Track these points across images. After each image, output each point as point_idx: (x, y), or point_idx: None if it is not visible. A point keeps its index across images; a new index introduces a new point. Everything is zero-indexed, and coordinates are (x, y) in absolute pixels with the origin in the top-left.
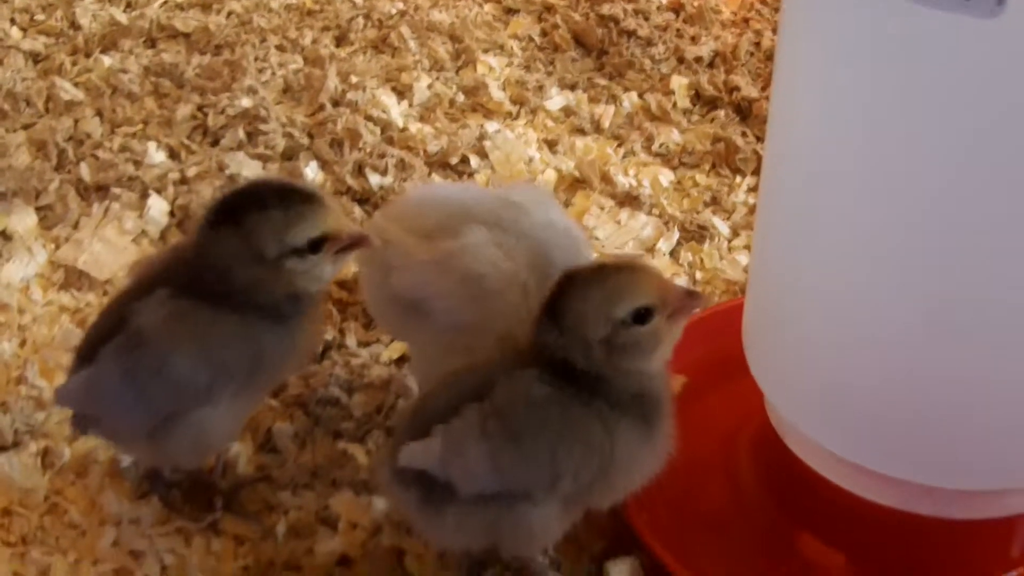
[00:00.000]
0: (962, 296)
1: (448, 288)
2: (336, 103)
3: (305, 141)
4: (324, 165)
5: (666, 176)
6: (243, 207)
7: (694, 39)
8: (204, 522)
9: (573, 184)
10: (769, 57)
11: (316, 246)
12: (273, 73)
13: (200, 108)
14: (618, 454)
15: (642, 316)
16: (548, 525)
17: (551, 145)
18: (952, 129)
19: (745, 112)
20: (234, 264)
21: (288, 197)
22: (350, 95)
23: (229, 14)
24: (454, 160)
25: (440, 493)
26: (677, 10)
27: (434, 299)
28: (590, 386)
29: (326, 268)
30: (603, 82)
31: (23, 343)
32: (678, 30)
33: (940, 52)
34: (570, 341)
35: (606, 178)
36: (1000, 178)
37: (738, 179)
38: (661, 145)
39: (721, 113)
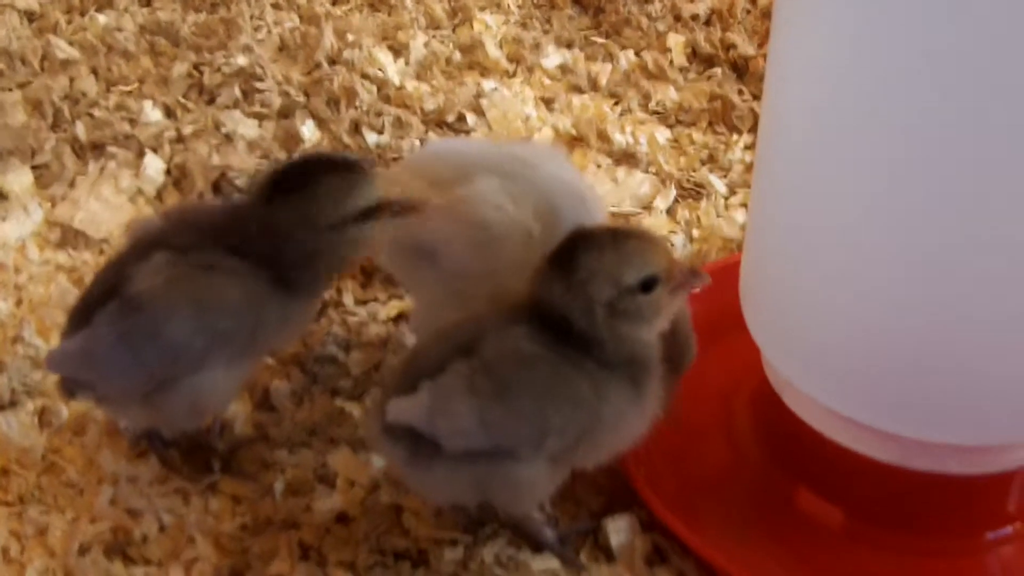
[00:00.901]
0: (958, 249)
1: (454, 233)
2: (332, 61)
3: (301, 99)
4: (320, 123)
5: (663, 134)
6: (303, 177)
7: None
8: (202, 483)
9: (570, 142)
10: (766, 14)
11: (372, 213)
12: (269, 31)
13: (196, 66)
14: (605, 414)
15: (648, 285)
16: (536, 482)
17: (548, 103)
18: (950, 80)
19: (742, 70)
20: (294, 233)
21: (346, 166)
22: (346, 53)
23: None
24: (451, 118)
25: (428, 449)
26: None
27: (441, 244)
28: (581, 346)
29: (376, 234)
30: (600, 40)
31: (19, 302)
32: None
33: (937, 4)
34: (574, 298)
35: (603, 136)
36: (1000, 128)
37: (735, 137)
38: (658, 103)
39: (718, 71)
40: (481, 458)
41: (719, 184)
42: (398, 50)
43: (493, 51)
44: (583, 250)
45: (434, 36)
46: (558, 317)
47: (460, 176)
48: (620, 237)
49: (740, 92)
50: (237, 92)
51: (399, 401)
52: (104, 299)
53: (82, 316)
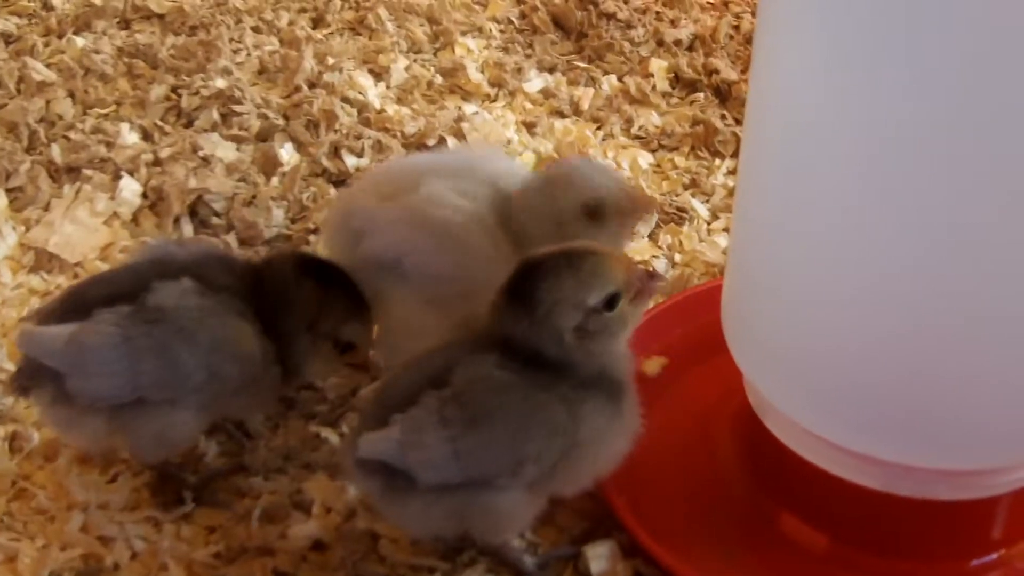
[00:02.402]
0: (940, 274)
1: (417, 241)
2: (312, 84)
3: (280, 122)
4: (299, 146)
5: (645, 158)
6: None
7: (673, 22)
8: (173, 514)
9: None
10: (748, 40)
11: None
12: (248, 54)
13: (174, 89)
14: (583, 435)
15: (612, 302)
16: (514, 511)
17: (530, 127)
18: (930, 107)
19: (724, 95)
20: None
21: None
22: (326, 76)
23: None
24: (431, 142)
25: (402, 482)
26: None
27: (406, 255)
28: (552, 369)
29: None
30: (582, 64)
31: None
32: (657, 13)
33: (926, 22)
34: (541, 330)
35: None
36: (981, 157)
37: (717, 161)
38: (640, 127)
39: (700, 96)
40: (457, 489)
41: (702, 209)
42: (379, 73)
43: (475, 75)
44: (540, 280)
45: (415, 60)
46: (527, 347)
47: (409, 187)
48: (574, 259)
49: (723, 117)
50: (215, 115)
51: (370, 436)
52: (111, 300)
53: (76, 309)
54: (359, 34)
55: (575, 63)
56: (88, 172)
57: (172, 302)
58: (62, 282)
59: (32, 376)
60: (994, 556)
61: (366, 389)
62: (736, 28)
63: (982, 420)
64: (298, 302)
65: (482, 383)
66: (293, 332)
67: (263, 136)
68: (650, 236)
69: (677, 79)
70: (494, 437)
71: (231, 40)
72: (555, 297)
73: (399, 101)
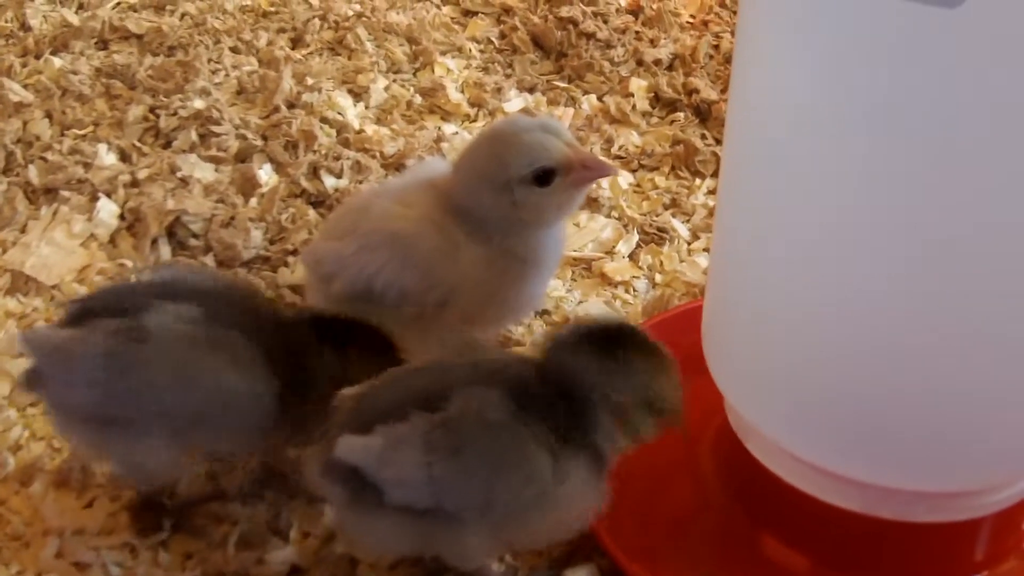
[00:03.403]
0: (920, 294)
1: (380, 262)
2: (291, 105)
3: (259, 143)
4: (278, 167)
5: (625, 178)
6: None
7: (653, 42)
8: (150, 540)
9: None
10: (728, 60)
11: None
12: (227, 74)
13: (152, 110)
14: (561, 495)
15: (662, 411)
16: (479, 546)
17: None
18: (905, 131)
19: (704, 114)
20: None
21: None
22: (305, 96)
23: (183, 16)
24: (411, 162)
25: (371, 496)
26: (636, 13)
27: (374, 279)
28: (548, 416)
29: None
30: (562, 84)
31: None
32: (637, 32)
33: (900, 46)
34: (597, 385)
35: None
36: (956, 173)
37: (698, 181)
38: (620, 147)
39: (680, 115)
40: (423, 514)
41: (682, 229)
42: (358, 93)
43: (454, 95)
44: (647, 360)
45: (395, 80)
46: (565, 388)
47: (356, 219)
48: (663, 360)
49: (703, 137)
50: (194, 136)
51: (351, 439)
52: (112, 313)
53: (80, 316)
54: (338, 54)
55: (555, 83)
56: (65, 193)
57: (164, 325)
58: (38, 305)
59: (35, 377)
60: None
61: (346, 391)
62: (716, 48)
63: (963, 442)
64: (319, 369)
65: (475, 418)
66: (314, 394)
67: (241, 157)
68: (630, 256)
69: (657, 99)
70: (471, 472)
71: (209, 60)
72: (653, 390)
73: (378, 121)
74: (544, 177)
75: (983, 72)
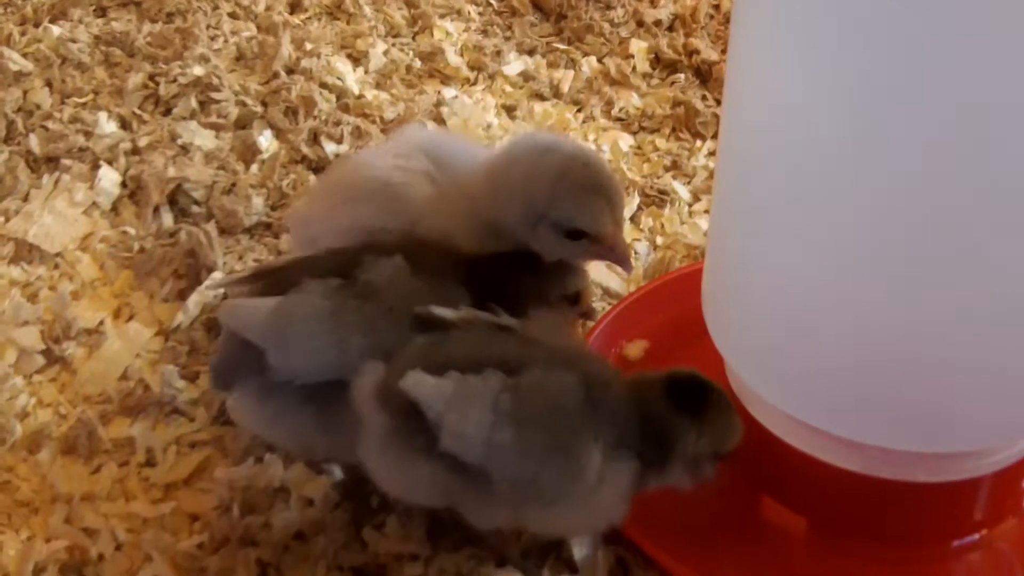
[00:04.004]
0: (917, 254)
1: (367, 210)
2: (290, 71)
3: (259, 109)
4: (278, 134)
5: (626, 141)
6: None
7: (653, 2)
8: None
9: None
10: (729, 19)
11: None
12: (226, 41)
13: (151, 77)
14: (599, 496)
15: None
16: (500, 514)
17: (509, 111)
18: (908, 90)
19: (705, 75)
20: None
21: None
22: (304, 62)
23: None
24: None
25: (414, 436)
26: None
27: (360, 230)
28: (615, 429)
29: None
30: (562, 46)
31: None
32: None
33: (898, 7)
34: (683, 447)
35: None
36: (959, 138)
37: (698, 143)
38: (621, 109)
39: (681, 77)
40: (462, 470)
41: (683, 191)
42: (357, 58)
43: (454, 59)
44: (720, 418)
45: (394, 44)
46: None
47: (351, 174)
48: (736, 417)
49: (704, 98)
50: (193, 103)
51: (422, 376)
52: (322, 275)
53: (279, 285)
54: (337, 19)
55: (555, 45)
56: (67, 162)
57: (384, 279)
58: (42, 273)
59: (235, 368)
60: (976, 537)
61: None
62: (716, 8)
63: (961, 404)
64: (516, 284)
65: (548, 394)
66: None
67: (242, 123)
68: (631, 219)
69: (657, 60)
70: (525, 446)
71: (208, 27)
72: (724, 445)
73: (378, 86)
74: (575, 235)
75: (983, 30)
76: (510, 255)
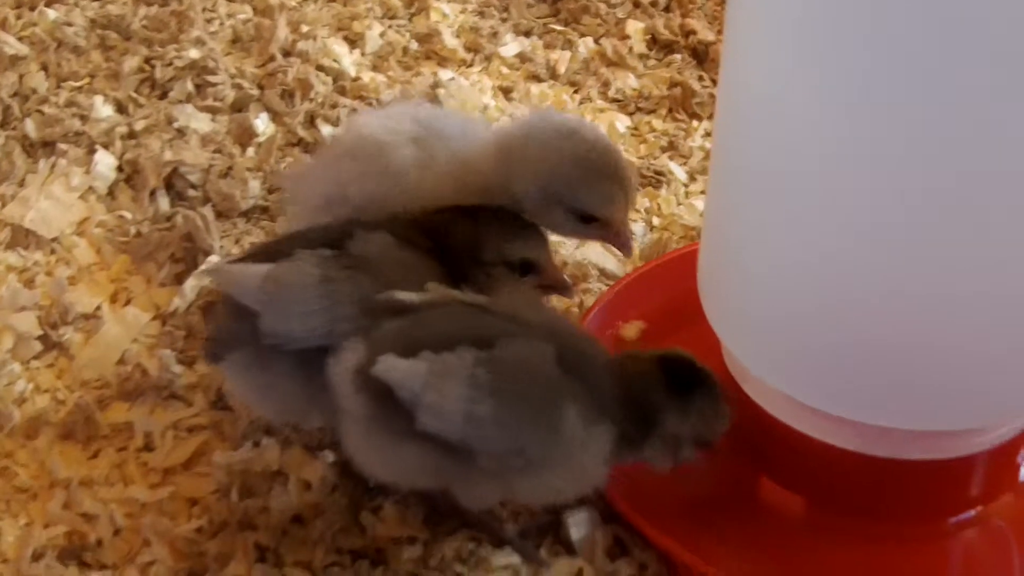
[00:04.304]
0: (913, 232)
1: (354, 169)
2: (287, 53)
3: (255, 92)
4: (275, 116)
5: (623, 122)
6: None
7: None
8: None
9: None
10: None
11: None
12: (222, 24)
13: (147, 60)
14: (582, 460)
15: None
16: (490, 488)
17: (506, 92)
18: (900, 71)
19: (702, 56)
20: None
21: None
22: (301, 45)
23: None
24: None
25: (396, 419)
26: None
27: (347, 188)
28: (597, 396)
29: None
30: (558, 28)
31: None
32: None
33: None
34: (678, 427)
35: None
36: (952, 117)
37: (695, 124)
38: (617, 90)
39: (677, 57)
40: (445, 449)
41: (679, 172)
42: (354, 40)
43: (450, 40)
44: (706, 401)
45: (390, 26)
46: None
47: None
48: (725, 400)
49: (700, 78)
50: (190, 86)
51: (393, 359)
52: (313, 245)
53: (272, 255)
54: (333, 1)
55: (551, 26)
56: (63, 146)
57: (375, 252)
58: (39, 258)
59: (227, 339)
60: (972, 513)
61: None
62: None
63: (957, 382)
64: (458, 237)
65: (526, 365)
66: (471, 274)
67: (238, 106)
68: None
69: (654, 41)
70: (505, 417)
71: (204, 9)
72: (709, 429)
73: (374, 68)
74: (586, 219)
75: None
76: (457, 210)
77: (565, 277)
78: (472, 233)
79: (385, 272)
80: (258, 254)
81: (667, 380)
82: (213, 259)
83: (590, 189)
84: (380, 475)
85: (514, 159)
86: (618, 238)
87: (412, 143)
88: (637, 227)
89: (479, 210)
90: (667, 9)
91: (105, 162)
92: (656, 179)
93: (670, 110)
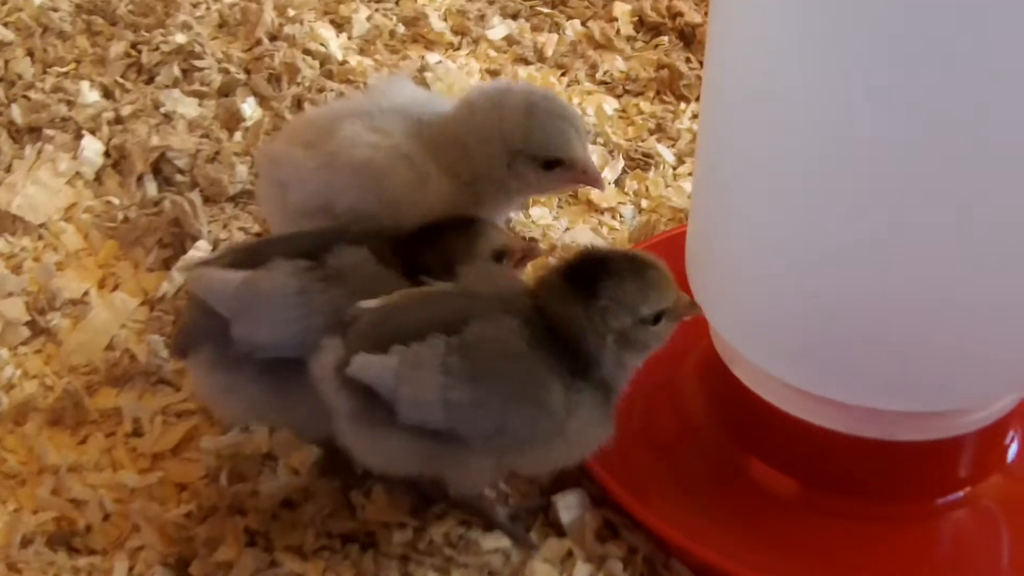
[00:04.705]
0: (899, 216)
1: (343, 184)
2: (273, 37)
3: (242, 77)
4: (262, 101)
5: (610, 104)
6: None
7: None
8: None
9: None
10: None
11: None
12: (208, 8)
13: (134, 45)
14: (570, 428)
15: (659, 317)
16: (482, 471)
17: (494, 75)
18: (885, 45)
19: (689, 38)
20: None
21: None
22: (287, 29)
23: None
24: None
25: (381, 413)
26: None
27: (334, 202)
28: (566, 356)
29: None
30: (545, 10)
31: None
32: None
33: None
34: (588, 322)
35: None
36: (937, 95)
37: (682, 106)
38: (605, 73)
39: (665, 39)
40: (432, 436)
41: (667, 154)
42: (340, 24)
43: (437, 23)
44: (604, 275)
45: (377, 9)
46: (561, 330)
47: (327, 133)
48: (640, 267)
49: (688, 60)
50: (176, 71)
51: (367, 358)
52: (290, 255)
53: (251, 261)
54: None
55: (538, 9)
56: (49, 132)
57: (351, 266)
58: (26, 244)
59: (194, 335)
60: (960, 494)
61: (364, 304)
62: None
63: (944, 364)
64: (430, 255)
65: (494, 344)
66: None
67: (225, 91)
68: (616, 182)
69: (641, 23)
70: (485, 399)
71: None
72: (614, 296)
73: (361, 52)
74: (550, 165)
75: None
76: (421, 231)
77: (531, 243)
78: (442, 248)
79: (360, 286)
80: (234, 258)
81: (573, 286)
82: (202, 244)
83: (544, 132)
84: (375, 466)
85: (468, 132)
86: (586, 175)
87: (406, 160)
88: (626, 210)
89: (441, 227)
90: None
91: (92, 147)
92: (644, 161)
93: (658, 92)
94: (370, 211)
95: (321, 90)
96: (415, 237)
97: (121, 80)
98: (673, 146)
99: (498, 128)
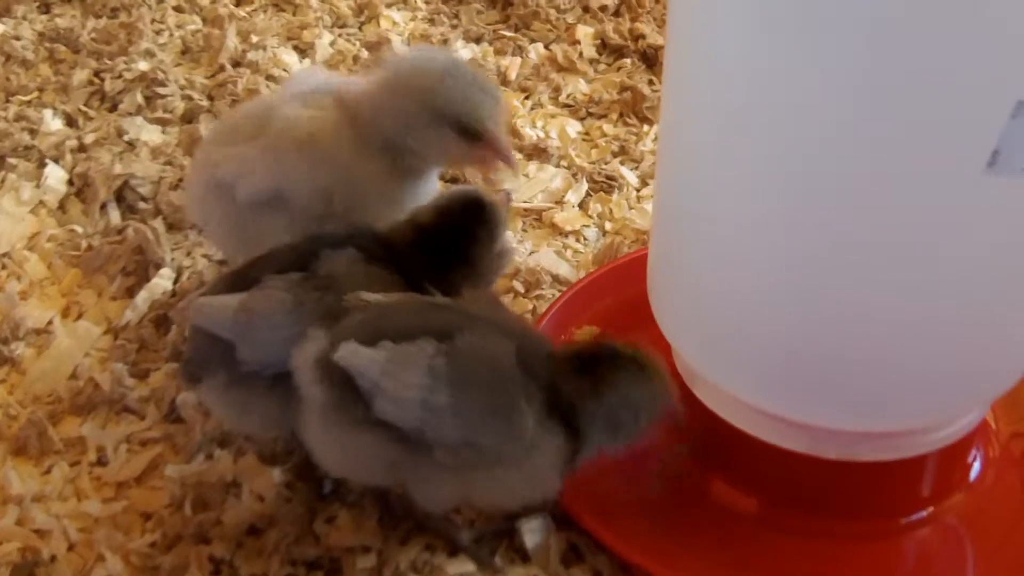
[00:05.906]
0: (853, 235)
1: (292, 164)
2: (236, 63)
3: (205, 103)
4: None
5: (574, 127)
6: None
7: None
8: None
9: None
10: None
11: None
12: (171, 35)
13: (97, 73)
14: (531, 461)
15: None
16: (443, 484)
17: None
18: (841, 65)
19: (651, 60)
20: None
21: None
22: (251, 55)
23: None
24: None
25: (354, 407)
26: None
27: (284, 186)
28: (553, 395)
29: None
30: (509, 33)
31: None
32: None
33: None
34: (595, 409)
35: (514, 131)
36: (893, 115)
37: (646, 128)
38: (568, 95)
39: (627, 61)
40: (401, 438)
41: (631, 176)
42: (304, 50)
43: (401, 48)
44: (618, 375)
45: (340, 34)
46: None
47: (267, 121)
48: (650, 370)
49: (651, 83)
50: (139, 98)
51: (355, 346)
52: (280, 271)
53: (244, 284)
54: (283, 10)
55: (501, 32)
56: (12, 160)
57: (342, 269)
58: None
59: (203, 362)
60: (923, 513)
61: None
62: None
63: (900, 384)
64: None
65: (483, 356)
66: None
67: (188, 118)
68: (580, 205)
69: (604, 45)
70: (462, 408)
71: (153, 21)
72: (625, 398)
73: None
74: (466, 133)
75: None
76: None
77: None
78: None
79: (354, 287)
80: (227, 284)
81: (581, 366)
82: (165, 272)
83: (466, 99)
84: (337, 469)
85: (388, 99)
86: (499, 152)
87: (349, 130)
88: (590, 232)
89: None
90: (616, 14)
91: (55, 175)
92: (608, 184)
93: (621, 115)
94: (321, 187)
95: None
96: (415, 239)
97: (84, 108)
98: (636, 168)
99: (419, 87)
